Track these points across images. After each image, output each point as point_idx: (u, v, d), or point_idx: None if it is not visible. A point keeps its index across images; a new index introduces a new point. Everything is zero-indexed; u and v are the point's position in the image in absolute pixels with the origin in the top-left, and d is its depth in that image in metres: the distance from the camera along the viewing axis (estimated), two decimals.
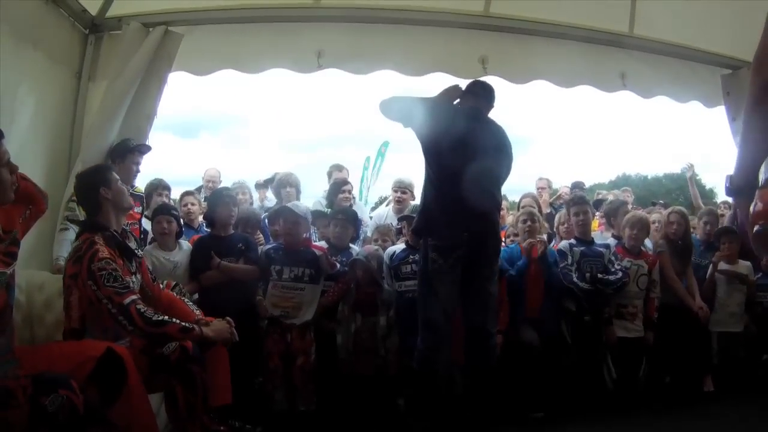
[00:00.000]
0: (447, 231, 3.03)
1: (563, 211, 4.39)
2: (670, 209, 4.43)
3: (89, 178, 2.73)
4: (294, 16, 3.95)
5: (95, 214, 2.64)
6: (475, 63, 4.06)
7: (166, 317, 2.42)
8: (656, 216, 4.68)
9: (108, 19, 3.97)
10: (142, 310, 2.35)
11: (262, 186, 5.64)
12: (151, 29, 3.83)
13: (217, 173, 5.55)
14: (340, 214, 3.78)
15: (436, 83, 3.89)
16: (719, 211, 5.04)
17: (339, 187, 4.30)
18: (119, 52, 3.84)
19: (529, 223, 3.81)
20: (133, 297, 2.37)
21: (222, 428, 2.73)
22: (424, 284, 3.06)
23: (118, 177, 2.75)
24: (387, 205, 4.96)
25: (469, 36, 4.11)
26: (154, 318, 2.36)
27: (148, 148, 3.72)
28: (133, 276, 2.58)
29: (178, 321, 2.45)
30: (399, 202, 4.55)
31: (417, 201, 4.23)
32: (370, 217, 4.94)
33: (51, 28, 3.65)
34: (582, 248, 3.85)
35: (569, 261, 3.81)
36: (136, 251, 2.66)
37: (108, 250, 2.46)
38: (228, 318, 2.69)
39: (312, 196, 4.94)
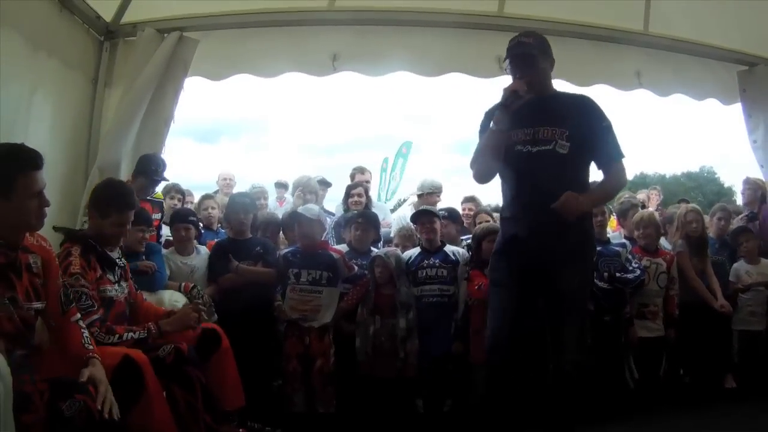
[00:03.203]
0: None
1: None
2: (685, 208, 4.39)
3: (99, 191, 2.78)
4: (308, 19, 3.97)
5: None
6: (490, 63, 4.02)
7: (117, 337, 2.43)
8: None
9: (122, 26, 4.00)
10: (95, 333, 2.35)
11: (281, 186, 5.66)
12: (165, 35, 3.85)
13: (229, 176, 5.60)
14: (360, 217, 3.75)
15: (451, 83, 3.90)
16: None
17: (350, 190, 4.31)
18: (134, 58, 3.87)
19: None
20: (93, 318, 2.39)
21: (241, 430, 2.76)
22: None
23: (126, 220, 2.70)
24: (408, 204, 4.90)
25: (483, 36, 4.09)
26: (106, 341, 2.39)
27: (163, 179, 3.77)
28: (116, 284, 2.61)
29: (132, 336, 2.46)
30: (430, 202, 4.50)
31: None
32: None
33: (66, 35, 3.69)
34: (598, 248, 3.80)
35: None
36: (117, 260, 2.67)
37: (81, 262, 2.47)
38: (196, 303, 2.77)
39: (334, 200, 4.95)
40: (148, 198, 3.69)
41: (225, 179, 5.52)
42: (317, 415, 3.26)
